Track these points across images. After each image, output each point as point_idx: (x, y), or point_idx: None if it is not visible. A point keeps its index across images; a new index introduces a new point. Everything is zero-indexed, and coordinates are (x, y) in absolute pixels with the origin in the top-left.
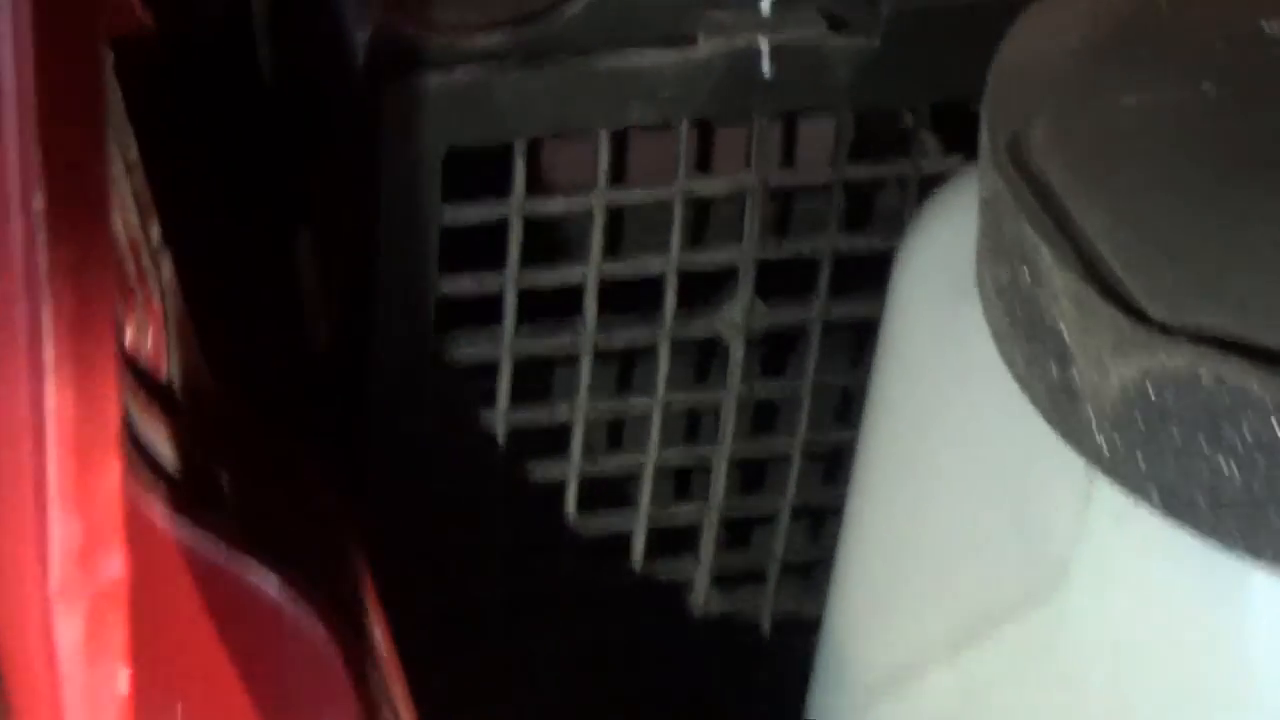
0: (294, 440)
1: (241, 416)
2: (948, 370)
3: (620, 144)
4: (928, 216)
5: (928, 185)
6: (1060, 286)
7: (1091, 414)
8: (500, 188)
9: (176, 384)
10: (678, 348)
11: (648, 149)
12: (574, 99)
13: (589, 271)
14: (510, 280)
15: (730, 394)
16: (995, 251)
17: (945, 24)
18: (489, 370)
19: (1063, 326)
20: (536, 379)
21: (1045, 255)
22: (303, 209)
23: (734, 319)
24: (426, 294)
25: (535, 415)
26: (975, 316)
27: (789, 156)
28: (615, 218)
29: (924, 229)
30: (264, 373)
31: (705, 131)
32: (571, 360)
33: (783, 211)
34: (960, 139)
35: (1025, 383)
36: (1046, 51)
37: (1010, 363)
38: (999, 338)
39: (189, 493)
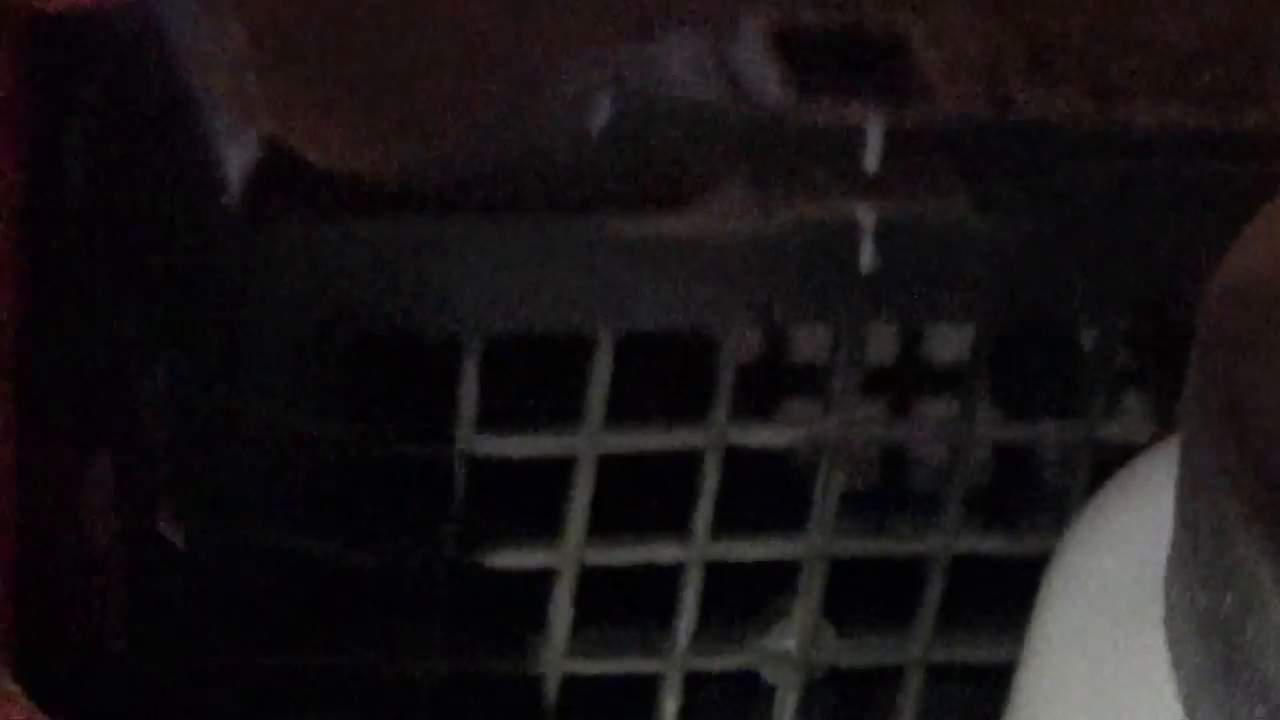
0: None
1: None
2: None
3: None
4: (1103, 507)
5: (1111, 456)
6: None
7: None
8: (434, 402)
9: None
10: (695, 682)
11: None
12: (563, 277)
13: (564, 560)
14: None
15: None
16: (1194, 567)
17: (1154, 200)
18: None
19: None
20: None
21: (1266, 579)
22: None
23: (785, 648)
24: None
25: None
26: (1162, 660)
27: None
28: (608, 464)
29: (1096, 526)
30: None
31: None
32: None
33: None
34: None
35: None
36: None
37: None
38: (1191, 690)
39: None
